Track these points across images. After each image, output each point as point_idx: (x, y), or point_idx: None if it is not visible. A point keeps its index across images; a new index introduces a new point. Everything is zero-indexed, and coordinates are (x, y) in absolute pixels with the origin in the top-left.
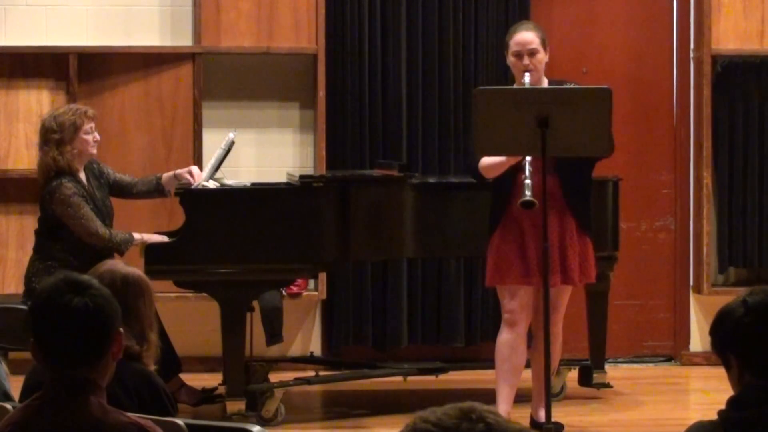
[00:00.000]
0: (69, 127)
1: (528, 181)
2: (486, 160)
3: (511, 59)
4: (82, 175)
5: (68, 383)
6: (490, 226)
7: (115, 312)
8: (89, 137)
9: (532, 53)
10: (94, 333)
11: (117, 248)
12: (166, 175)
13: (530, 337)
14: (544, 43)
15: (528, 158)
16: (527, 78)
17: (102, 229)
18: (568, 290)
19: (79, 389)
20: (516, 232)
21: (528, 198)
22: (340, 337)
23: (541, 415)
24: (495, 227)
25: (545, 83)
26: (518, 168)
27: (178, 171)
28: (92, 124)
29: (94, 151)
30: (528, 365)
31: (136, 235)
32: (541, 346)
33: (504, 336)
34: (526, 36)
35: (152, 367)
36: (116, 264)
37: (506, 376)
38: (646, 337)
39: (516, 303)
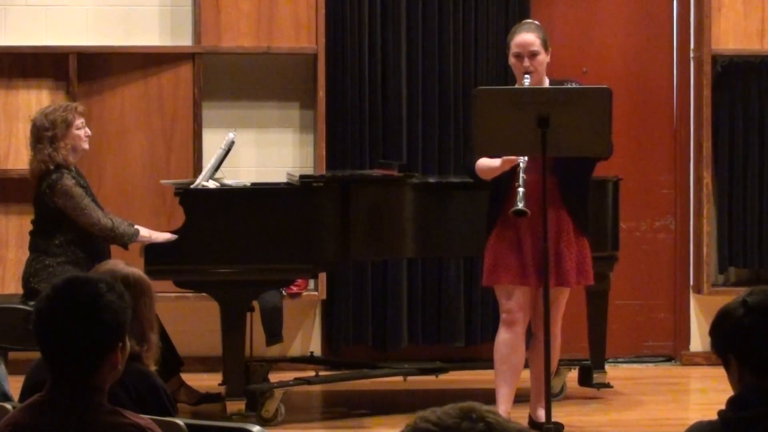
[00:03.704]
0: (61, 123)
1: (521, 190)
2: (481, 163)
3: (511, 60)
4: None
5: (69, 385)
6: (487, 225)
7: (120, 324)
8: (81, 132)
9: (533, 55)
10: (94, 344)
11: (120, 240)
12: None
13: (529, 337)
14: (545, 44)
15: (522, 165)
16: (527, 81)
17: (104, 219)
18: (564, 292)
19: (80, 390)
20: (512, 233)
21: (520, 207)
22: (340, 337)
23: (540, 415)
24: (492, 227)
25: (546, 83)
26: (516, 170)
27: (155, 236)
28: (83, 119)
29: (86, 146)
30: (527, 365)
31: (144, 232)
32: (540, 346)
33: (502, 336)
34: (526, 38)
35: (153, 368)
36: (117, 264)
37: (505, 376)
38: (646, 337)
39: (513, 303)
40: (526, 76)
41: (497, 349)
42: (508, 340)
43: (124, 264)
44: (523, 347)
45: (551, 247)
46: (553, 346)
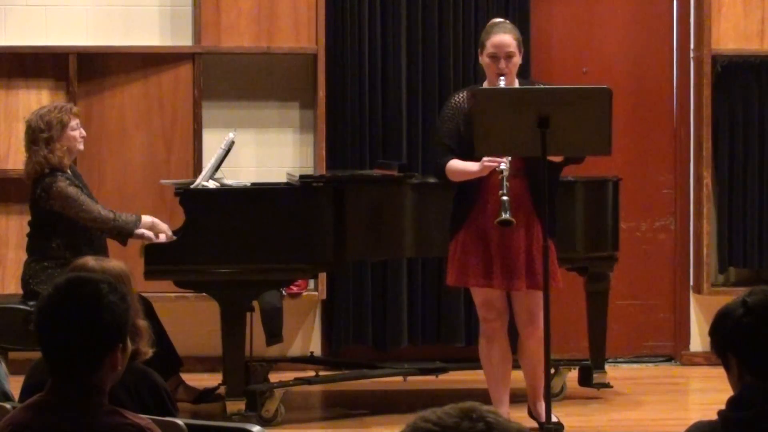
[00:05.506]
0: (56, 125)
1: (505, 198)
2: (455, 165)
3: (485, 60)
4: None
5: (69, 385)
6: (452, 226)
7: (121, 325)
8: (76, 133)
9: (509, 56)
10: (94, 344)
11: (124, 228)
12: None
13: (513, 337)
14: (520, 46)
15: (505, 173)
16: (502, 82)
17: (104, 212)
18: (540, 296)
19: (80, 390)
20: (480, 235)
21: (506, 218)
22: (340, 337)
23: (540, 411)
24: (459, 228)
25: (516, 84)
26: (494, 176)
27: (157, 223)
28: (77, 120)
29: (81, 147)
30: (516, 365)
31: (139, 231)
32: (528, 347)
33: (485, 344)
34: (504, 38)
35: (150, 352)
36: (87, 263)
37: (497, 380)
38: (646, 337)
39: (489, 311)
40: (501, 78)
41: (485, 360)
42: (492, 348)
43: (94, 260)
44: (509, 350)
45: (523, 250)
46: (537, 353)
